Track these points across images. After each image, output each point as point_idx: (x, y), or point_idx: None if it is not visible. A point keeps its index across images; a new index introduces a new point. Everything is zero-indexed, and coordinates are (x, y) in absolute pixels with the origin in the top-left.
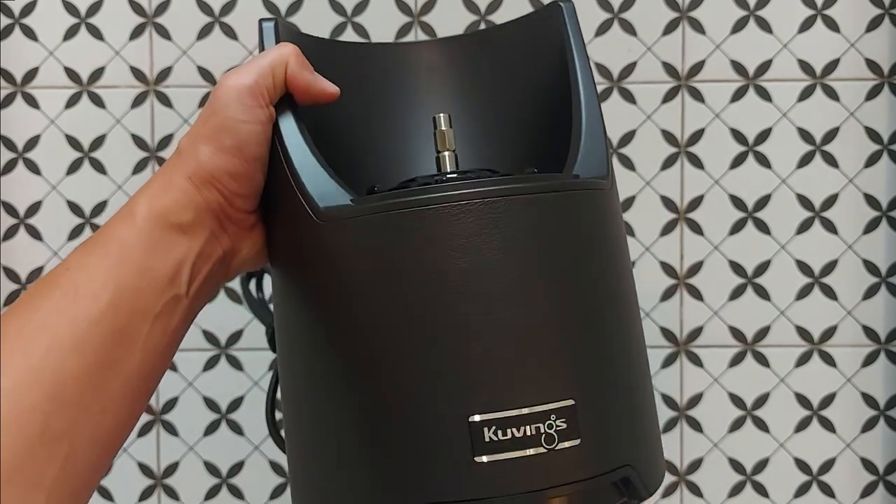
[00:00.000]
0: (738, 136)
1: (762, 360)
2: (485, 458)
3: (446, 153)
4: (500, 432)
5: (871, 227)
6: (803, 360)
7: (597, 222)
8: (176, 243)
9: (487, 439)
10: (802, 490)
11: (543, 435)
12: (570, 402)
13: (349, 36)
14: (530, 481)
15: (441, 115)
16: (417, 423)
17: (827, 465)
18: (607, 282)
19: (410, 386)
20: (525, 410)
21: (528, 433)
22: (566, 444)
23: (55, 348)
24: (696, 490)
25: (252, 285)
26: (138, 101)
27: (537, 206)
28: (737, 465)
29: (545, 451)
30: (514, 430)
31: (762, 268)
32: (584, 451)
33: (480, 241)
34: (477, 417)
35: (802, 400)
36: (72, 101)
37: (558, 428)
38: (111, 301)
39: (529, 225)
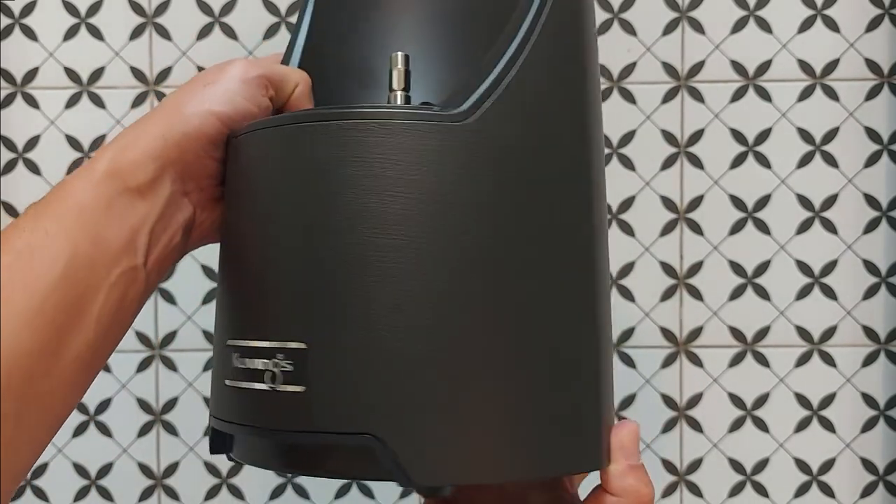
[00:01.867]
0: (738, 136)
1: (762, 361)
2: (227, 382)
3: (398, 93)
4: (241, 360)
5: (871, 227)
6: (803, 360)
7: (411, 158)
8: (133, 207)
9: (234, 364)
10: (802, 490)
11: (269, 373)
12: (301, 345)
13: None
14: (255, 416)
15: (399, 53)
16: (217, 340)
17: (827, 465)
18: (393, 225)
19: (223, 299)
20: (258, 343)
21: (258, 367)
22: (288, 388)
23: (10, 320)
24: (695, 490)
25: None
26: (138, 101)
27: (344, 137)
28: (737, 465)
29: (268, 389)
30: (249, 360)
31: (762, 268)
32: (307, 401)
33: (289, 168)
34: (229, 341)
35: (802, 400)
36: (72, 102)
37: (283, 369)
38: (66, 269)
39: (334, 156)
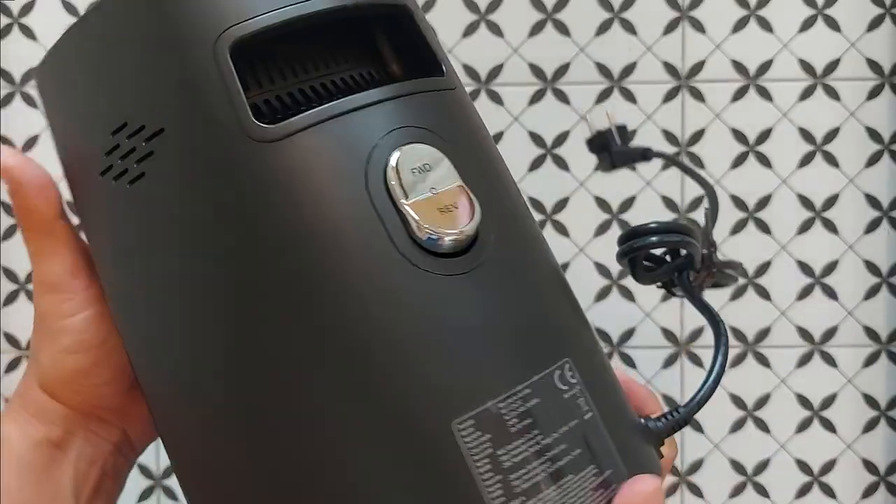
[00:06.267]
0: (739, 135)
1: (763, 361)
2: None
3: None
4: None
5: (873, 227)
6: (804, 360)
7: None
8: (52, 463)
9: None
10: (803, 491)
11: None
12: None
13: None
14: None
15: None
16: None
17: (828, 466)
18: None
19: None
20: None
21: None
22: None
23: None
24: (696, 491)
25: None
26: None
27: None
28: (738, 466)
29: None
30: None
31: (763, 268)
32: None
33: None
34: None
35: (803, 400)
36: None
37: None
38: None
39: None
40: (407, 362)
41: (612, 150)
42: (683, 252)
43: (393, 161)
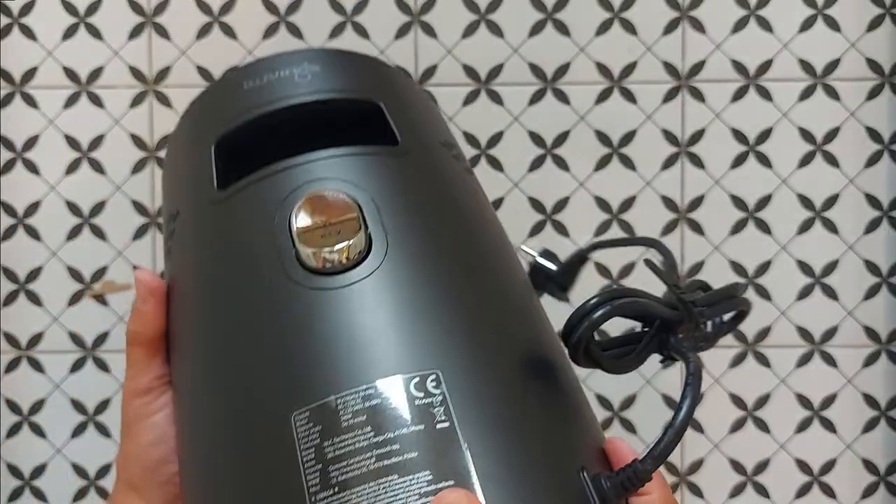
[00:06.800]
0: (739, 135)
1: (763, 361)
2: None
3: None
4: None
5: (872, 227)
6: (804, 360)
7: None
8: None
9: None
10: (803, 491)
11: None
12: None
13: (349, 35)
14: None
15: None
16: None
17: (828, 466)
18: None
19: None
20: None
21: None
22: None
23: None
24: (696, 491)
25: None
26: (137, 100)
27: None
28: (738, 466)
29: None
30: None
31: (763, 268)
32: None
33: None
34: None
35: (803, 400)
36: (71, 101)
37: None
38: None
39: None
40: (265, 363)
41: (552, 274)
42: (655, 321)
43: (298, 202)
